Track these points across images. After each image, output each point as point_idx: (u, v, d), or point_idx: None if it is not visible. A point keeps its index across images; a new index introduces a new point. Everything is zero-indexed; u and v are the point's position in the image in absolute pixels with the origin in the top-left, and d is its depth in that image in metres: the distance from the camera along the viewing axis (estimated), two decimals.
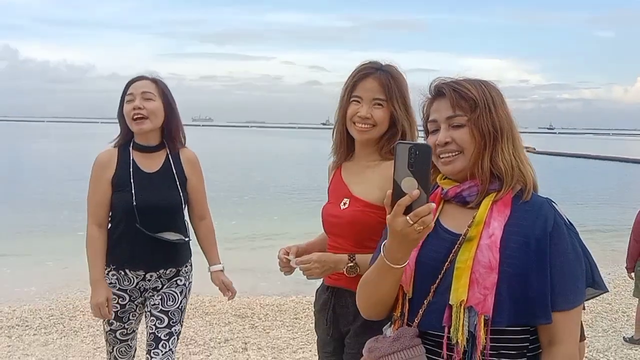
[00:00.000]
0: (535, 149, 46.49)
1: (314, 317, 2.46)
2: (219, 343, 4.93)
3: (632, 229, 5.28)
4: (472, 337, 1.44)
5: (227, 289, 2.94)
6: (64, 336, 5.05)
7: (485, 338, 1.43)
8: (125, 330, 2.85)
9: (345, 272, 2.12)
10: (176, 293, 2.81)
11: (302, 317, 5.59)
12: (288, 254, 2.26)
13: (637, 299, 5.31)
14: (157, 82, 2.76)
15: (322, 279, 2.35)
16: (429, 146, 1.39)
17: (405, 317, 1.54)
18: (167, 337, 2.76)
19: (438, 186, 1.63)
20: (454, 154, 1.55)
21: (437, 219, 1.56)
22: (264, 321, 5.56)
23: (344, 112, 2.20)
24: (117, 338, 2.85)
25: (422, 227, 1.34)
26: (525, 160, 1.57)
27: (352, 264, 2.11)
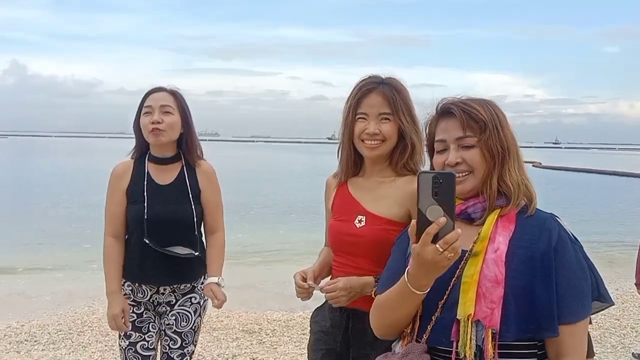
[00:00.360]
0: (541, 164, 46.41)
1: (310, 335, 2.35)
2: (227, 359, 4.93)
3: None
4: (480, 352, 1.46)
5: (214, 296, 2.71)
6: (73, 351, 5.07)
7: (493, 352, 1.45)
8: (146, 343, 2.77)
9: (373, 295, 1.94)
10: (190, 313, 2.77)
11: (309, 333, 5.57)
12: (304, 279, 2.15)
13: None
14: (176, 95, 2.75)
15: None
16: (453, 174, 1.41)
17: (415, 334, 1.56)
18: (180, 357, 2.75)
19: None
20: (464, 174, 1.58)
21: None
22: (272, 337, 5.55)
23: (350, 130, 2.15)
24: (138, 353, 2.75)
25: (452, 254, 1.37)
26: (527, 176, 1.62)
27: None
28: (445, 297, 1.52)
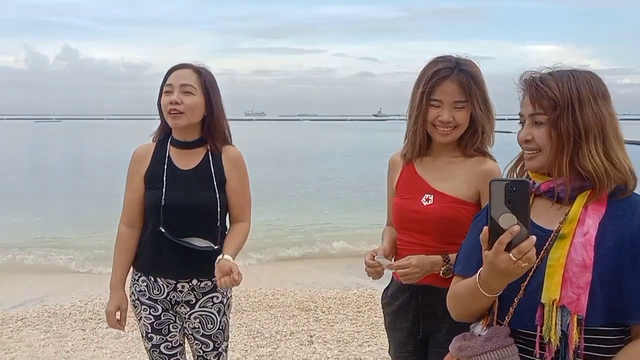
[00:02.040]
0: None
1: (384, 317, 2.37)
2: (285, 336, 4.98)
3: None
4: (565, 337, 1.42)
5: (229, 271, 2.26)
6: (136, 329, 5.16)
7: (579, 337, 1.41)
8: (169, 344, 2.56)
9: (441, 274, 2.06)
10: (213, 314, 2.54)
11: (364, 311, 5.59)
12: (374, 257, 2.15)
13: None
14: (200, 73, 2.47)
15: (392, 277, 2.31)
16: (527, 181, 1.38)
17: (495, 315, 1.54)
18: (217, 357, 2.61)
19: (530, 179, 1.60)
20: (533, 152, 1.54)
21: None
22: (327, 314, 5.58)
23: (424, 116, 2.13)
24: (163, 353, 2.56)
25: (526, 264, 1.34)
26: (621, 159, 1.50)
27: (447, 266, 2.06)
28: (528, 279, 1.47)
